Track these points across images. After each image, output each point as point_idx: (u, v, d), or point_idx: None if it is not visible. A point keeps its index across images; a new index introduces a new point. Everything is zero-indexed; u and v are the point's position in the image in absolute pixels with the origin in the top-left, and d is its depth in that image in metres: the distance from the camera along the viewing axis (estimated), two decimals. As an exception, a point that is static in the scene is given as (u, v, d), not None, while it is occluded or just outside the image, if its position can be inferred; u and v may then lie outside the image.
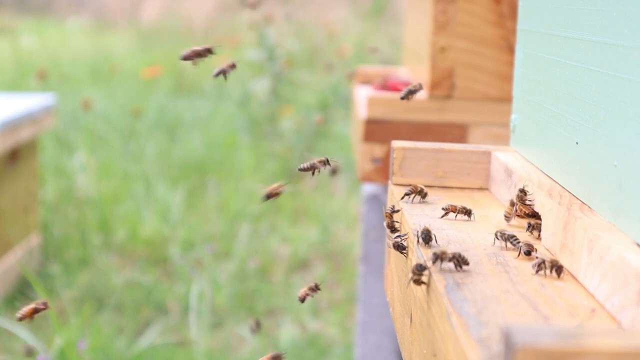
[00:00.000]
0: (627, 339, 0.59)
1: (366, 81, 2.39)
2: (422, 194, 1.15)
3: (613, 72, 0.88)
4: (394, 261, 1.16)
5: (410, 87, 1.35)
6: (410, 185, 1.17)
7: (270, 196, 1.29)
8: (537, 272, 0.88)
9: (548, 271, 0.87)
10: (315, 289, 1.28)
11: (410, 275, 0.89)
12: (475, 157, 1.24)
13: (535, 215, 1.04)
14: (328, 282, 3.51)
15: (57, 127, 4.86)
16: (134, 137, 5.36)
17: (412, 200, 1.15)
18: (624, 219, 0.84)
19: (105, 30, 9.58)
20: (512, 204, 1.07)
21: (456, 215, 1.08)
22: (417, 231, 0.96)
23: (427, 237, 0.95)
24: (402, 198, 1.15)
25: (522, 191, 1.04)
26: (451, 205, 1.08)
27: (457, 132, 1.81)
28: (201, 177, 4.74)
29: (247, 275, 3.52)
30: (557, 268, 0.87)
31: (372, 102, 1.83)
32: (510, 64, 1.78)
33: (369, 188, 2.03)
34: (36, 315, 1.39)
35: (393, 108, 1.83)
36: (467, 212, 1.08)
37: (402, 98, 1.33)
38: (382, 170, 1.83)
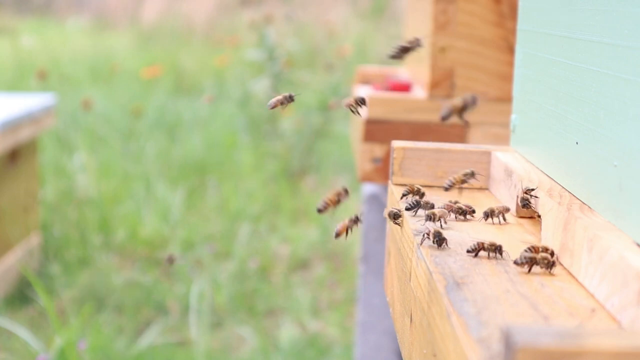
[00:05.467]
0: (627, 339, 0.59)
1: (366, 81, 2.39)
2: (420, 194, 1.14)
3: (613, 72, 0.88)
4: (394, 261, 1.16)
5: (404, 44, 1.13)
6: (407, 185, 1.16)
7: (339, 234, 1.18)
8: (523, 263, 0.88)
9: (544, 268, 0.87)
10: (356, 220, 1.16)
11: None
12: (475, 157, 1.24)
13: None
14: (328, 282, 3.51)
15: (57, 127, 4.86)
16: (134, 137, 5.36)
17: (410, 201, 1.15)
18: (624, 219, 0.84)
19: (106, 30, 9.58)
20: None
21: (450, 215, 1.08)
22: (427, 232, 0.96)
23: (440, 240, 0.94)
24: (401, 199, 1.15)
25: (527, 192, 1.04)
26: (447, 204, 1.08)
27: (457, 132, 1.81)
28: (201, 177, 4.74)
29: (247, 275, 3.52)
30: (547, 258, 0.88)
31: (372, 102, 1.83)
32: (510, 64, 1.78)
33: (369, 188, 2.03)
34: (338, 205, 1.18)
35: (393, 108, 1.83)
36: (463, 213, 1.08)
37: (393, 57, 1.13)
38: (382, 170, 1.83)
